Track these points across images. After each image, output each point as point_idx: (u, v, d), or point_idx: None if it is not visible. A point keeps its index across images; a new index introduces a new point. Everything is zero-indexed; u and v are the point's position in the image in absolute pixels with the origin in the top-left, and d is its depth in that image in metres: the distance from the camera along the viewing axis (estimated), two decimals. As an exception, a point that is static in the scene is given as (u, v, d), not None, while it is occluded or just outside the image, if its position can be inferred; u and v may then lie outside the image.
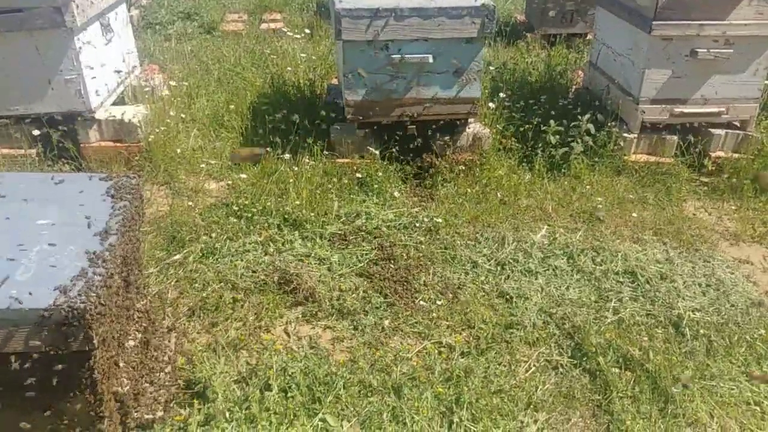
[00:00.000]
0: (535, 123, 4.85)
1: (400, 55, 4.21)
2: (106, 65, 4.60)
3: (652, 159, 4.77)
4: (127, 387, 2.46)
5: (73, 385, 2.19)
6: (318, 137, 4.61)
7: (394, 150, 4.51)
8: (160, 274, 3.52)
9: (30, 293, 2.05)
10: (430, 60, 4.24)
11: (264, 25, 8.18)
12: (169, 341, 2.96)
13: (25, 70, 4.19)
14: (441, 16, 4.11)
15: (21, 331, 2.04)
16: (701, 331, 3.27)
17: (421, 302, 3.46)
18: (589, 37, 7.22)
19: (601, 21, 5.33)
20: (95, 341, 2.10)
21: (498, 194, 4.38)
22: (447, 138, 4.53)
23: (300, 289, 3.49)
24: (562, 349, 3.21)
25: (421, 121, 4.51)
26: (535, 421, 2.79)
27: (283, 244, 3.84)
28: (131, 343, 2.59)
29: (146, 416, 2.58)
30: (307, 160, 4.47)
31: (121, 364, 2.45)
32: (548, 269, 3.75)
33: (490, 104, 5.00)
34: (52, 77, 4.23)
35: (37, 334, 2.05)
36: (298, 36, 6.80)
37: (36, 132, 4.33)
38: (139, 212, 2.66)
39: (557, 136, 4.73)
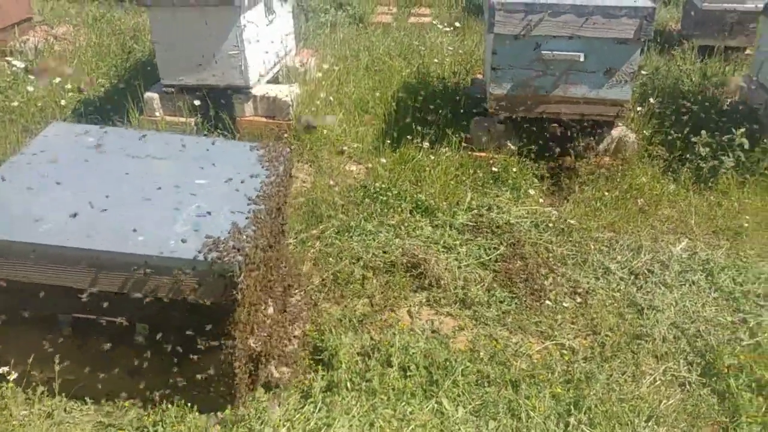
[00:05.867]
0: (685, 132, 4.65)
1: (550, 52, 4.17)
2: (266, 45, 4.86)
3: (812, 181, 4.45)
4: (260, 345, 2.63)
5: (214, 336, 2.37)
6: (458, 129, 4.66)
7: (532, 147, 4.48)
8: (297, 246, 3.70)
9: (184, 241, 2.24)
10: (581, 58, 4.17)
11: (412, 19, 8.31)
12: (302, 309, 3.12)
13: (193, 44, 4.51)
14: (597, 15, 4.04)
15: (171, 279, 2.24)
16: None
17: (547, 302, 3.43)
18: (747, 51, 6.80)
19: (766, 33, 5.01)
20: (240, 296, 2.26)
21: (638, 202, 4.25)
22: (590, 139, 4.45)
23: (427, 275, 3.57)
24: (692, 366, 3.09)
25: (565, 120, 4.44)
26: (655, 435, 2.72)
27: (413, 229, 3.92)
28: (270, 307, 2.76)
29: (274, 375, 2.75)
30: (445, 151, 4.52)
31: (258, 323, 2.61)
32: (685, 284, 3.60)
33: (639, 108, 4.85)
34: (217, 52, 4.53)
35: (186, 283, 2.23)
36: (447, 29, 6.85)
37: (196, 102, 4.66)
38: (287, 181, 2.82)
39: (707, 148, 4.52)
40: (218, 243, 2.25)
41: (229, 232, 2.31)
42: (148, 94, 4.74)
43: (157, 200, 2.48)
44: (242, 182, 2.64)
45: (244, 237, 2.30)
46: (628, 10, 3.99)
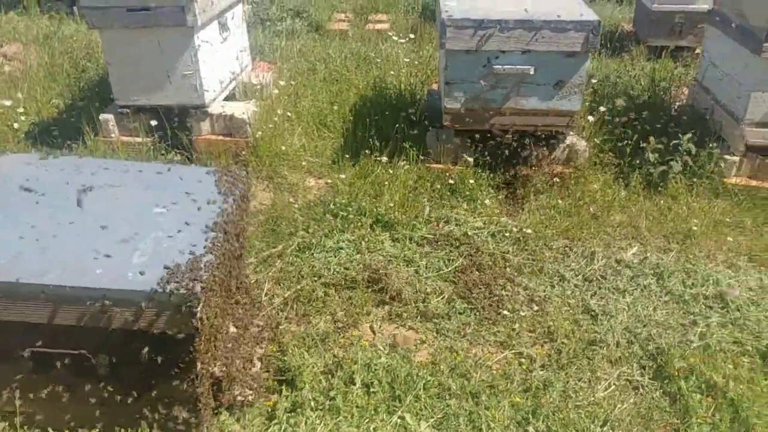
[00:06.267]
0: (634, 139, 4.79)
1: (501, 66, 4.27)
2: (221, 62, 4.89)
3: (754, 183, 4.62)
4: (223, 369, 2.66)
5: (175, 365, 2.40)
6: (415, 142, 4.73)
7: (488, 158, 4.58)
8: (259, 265, 3.73)
9: (142, 273, 2.27)
10: (532, 72, 4.28)
11: (369, 26, 8.38)
12: (264, 329, 3.16)
13: (148, 65, 4.52)
14: (545, 29, 4.15)
15: (130, 311, 2.26)
16: (790, 364, 3.20)
17: (505, 312, 3.52)
18: (697, 51, 7.02)
19: (710, 39, 5.20)
20: (199, 325, 2.29)
21: (591, 209, 4.37)
22: (543, 149, 4.56)
23: (388, 289, 3.63)
24: (644, 370, 3.21)
25: (518, 131, 4.55)
26: (611, 439, 2.82)
27: (374, 244, 3.98)
28: (231, 330, 2.79)
29: (238, 398, 2.78)
30: (403, 164, 4.60)
31: (220, 348, 2.64)
32: (637, 288, 3.73)
33: (590, 117, 4.98)
34: (172, 72, 4.53)
35: (146, 314, 2.26)
36: (402, 40, 6.93)
37: (153, 122, 4.66)
38: (245, 205, 2.85)
39: (656, 154, 4.67)
40: (176, 273, 2.27)
41: (187, 262, 2.34)
42: (103, 116, 4.72)
43: (114, 231, 2.49)
44: (199, 209, 2.67)
45: (203, 266, 2.34)
46: (575, 24, 4.11)
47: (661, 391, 3.08)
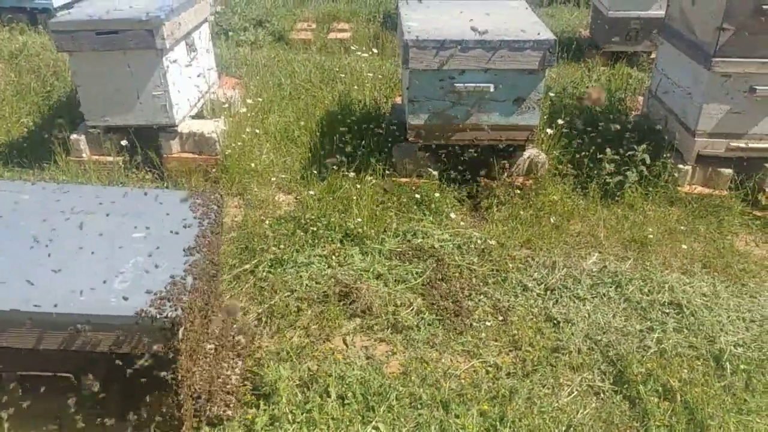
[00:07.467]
0: (591, 150, 4.99)
1: (462, 84, 4.43)
2: (189, 82, 4.97)
3: (706, 191, 4.86)
4: (203, 386, 2.76)
5: (157, 384, 2.49)
6: (381, 155, 4.87)
7: (452, 172, 4.74)
8: (232, 281, 3.83)
9: (125, 298, 2.36)
10: (492, 89, 4.45)
11: (332, 35, 8.49)
12: (240, 345, 3.26)
13: (117, 86, 4.59)
14: (504, 48, 4.32)
15: (114, 335, 2.35)
16: (741, 367, 3.38)
17: (472, 322, 3.67)
18: (653, 55, 7.28)
19: (663, 52, 5.44)
20: (181, 346, 2.39)
21: (551, 219, 4.55)
22: (504, 162, 4.73)
23: (358, 303, 3.75)
24: (605, 375, 3.38)
25: (480, 146, 4.71)
26: (574, 443, 2.98)
27: (344, 258, 4.10)
28: (209, 346, 2.89)
29: (218, 413, 2.88)
30: (370, 179, 4.72)
31: (200, 366, 2.74)
32: (596, 296, 3.90)
33: (548, 130, 5.17)
34: (141, 92, 4.61)
35: (129, 338, 2.35)
36: (366, 54, 7.06)
37: (123, 142, 4.72)
38: (219, 227, 2.95)
39: (613, 164, 4.87)
40: (158, 297, 2.37)
41: (168, 286, 2.43)
42: (74, 136, 4.77)
43: (95, 257, 2.57)
44: (177, 233, 2.76)
45: (183, 289, 2.43)
46: (532, 44, 4.29)
47: (621, 395, 3.25)
